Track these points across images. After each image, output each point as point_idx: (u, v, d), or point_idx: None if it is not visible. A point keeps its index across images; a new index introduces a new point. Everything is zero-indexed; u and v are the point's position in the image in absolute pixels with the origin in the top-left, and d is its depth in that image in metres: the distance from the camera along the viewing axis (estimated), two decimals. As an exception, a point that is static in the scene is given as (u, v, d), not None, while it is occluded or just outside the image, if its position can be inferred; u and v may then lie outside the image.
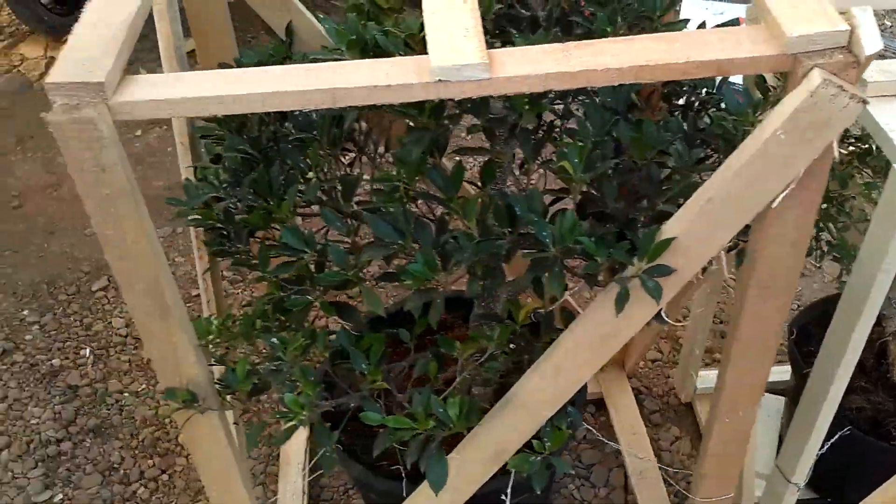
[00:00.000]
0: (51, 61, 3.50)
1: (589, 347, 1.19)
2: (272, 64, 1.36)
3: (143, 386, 2.35)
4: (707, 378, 2.18)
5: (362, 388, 1.26)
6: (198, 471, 1.39)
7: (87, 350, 2.44)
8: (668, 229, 1.07)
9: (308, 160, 1.24)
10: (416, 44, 1.09)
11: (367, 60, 1.01)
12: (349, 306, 1.28)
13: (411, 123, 1.18)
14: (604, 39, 1.01)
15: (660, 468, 2.05)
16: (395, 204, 1.16)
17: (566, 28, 1.23)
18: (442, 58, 0.95)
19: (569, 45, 1.00)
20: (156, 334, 1.17)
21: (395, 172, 1.18)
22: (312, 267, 1.23)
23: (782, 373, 2.00)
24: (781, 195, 1.02)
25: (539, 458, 1.28)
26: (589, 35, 1.22)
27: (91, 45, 0.98)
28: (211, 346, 1.25)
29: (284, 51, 1.40)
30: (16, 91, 3.35)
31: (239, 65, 1.39)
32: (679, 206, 1.14)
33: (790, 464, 1.60)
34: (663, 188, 1.17)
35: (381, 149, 1.38)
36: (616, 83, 0.98)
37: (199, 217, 1.28)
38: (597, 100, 1.19)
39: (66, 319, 2.53)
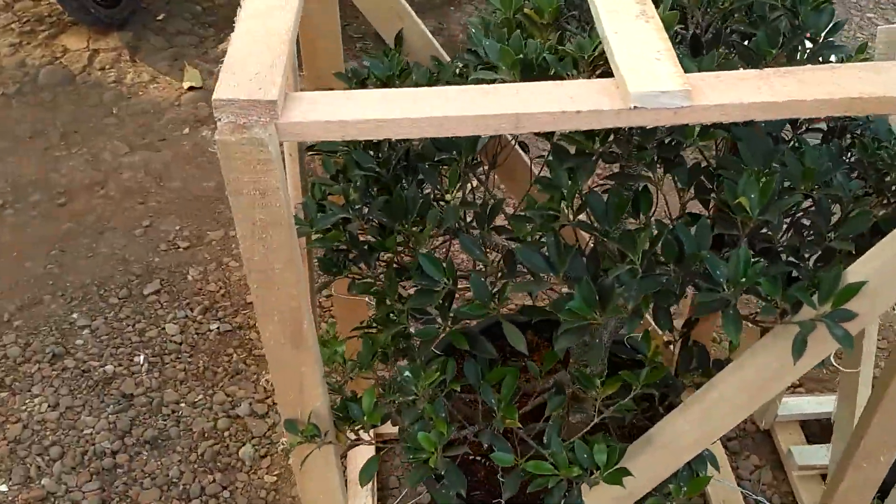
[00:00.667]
0: (94, 54, 3.42)
1: (746, 392, 1.12)
2: (399, 76, 1.29)
3: (201, 396, 2.27)
4: (789, 405, 2.12)
5: (494, 424, 1.19)
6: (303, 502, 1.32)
7: (142, 357, 2.36)
8: (856, 271, 1.00)
9: (447, 182, 1.17)
10: (585, 66, 1.02)
11: (547, 83, 0.93)
12: (480, 337, 1.21)
13: (564, 146, 1.11)
14: (802, 68, 0.94)
15: (743, 494, 1.98)
16: (547, 233, 1.09)
17: (726, 46, 1.17)
18: (640, 83, 0.88)
19: (767, 72, 0.93)
20: (286, 363, 1.10)
21: (547, 198, 1.10)
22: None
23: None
24: None
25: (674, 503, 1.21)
26: (748, 56, 1.16)
27: (257, 59, 0.91)
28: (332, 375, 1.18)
29: (401, 61, 1.33)
30: (58, 83, 3.26)
31: (360, 77, 1.32)
32: (848, 240, 1.08)
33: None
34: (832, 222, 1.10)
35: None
36: (824, 115, 0.91)
37: (324, 238, 1.21)
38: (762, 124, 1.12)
39: (119, 324, 2.45)
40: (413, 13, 1.51)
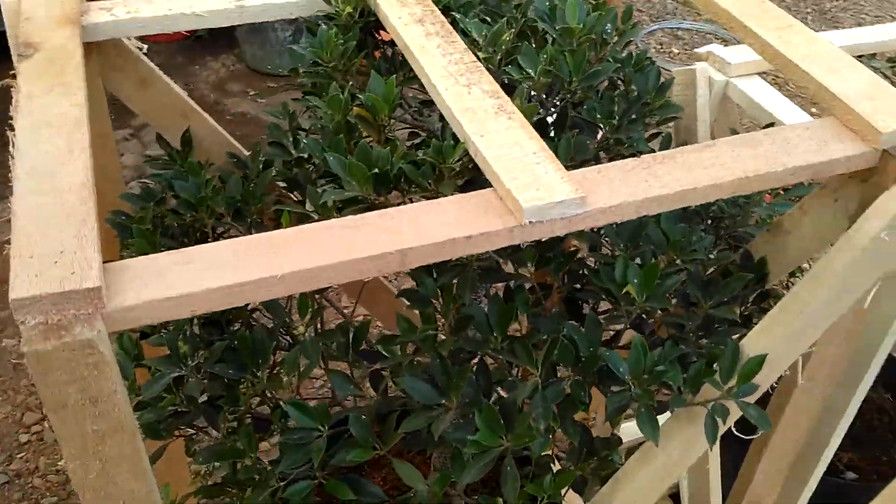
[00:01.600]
0: None
1: (658, 478, 1.06)
2: (210, 195, 1.10)
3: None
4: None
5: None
6: None
7: None
8: (752, 344, 0.96)
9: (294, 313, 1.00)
10: (447, 173, 0.90)
11: (423, 206, 0.81)
12: (364, 481, 1.05)
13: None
14: (678, 150, 0.88)
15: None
16: (429, 354, 0.96)
17: (562, 124, 1.10)
18: (530, 195, 0.78)
19: (646, 160, 0.87)
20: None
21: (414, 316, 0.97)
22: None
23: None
24: (872, 292, 0.95)
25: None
26: (590, 128, 1.10)
27: (56, 231, 0.71)
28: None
29: (210, 178, 1.14)
30: None
31: (153, 197, 1.11)
32: (730, 307, 1.05)
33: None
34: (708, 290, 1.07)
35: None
36: (713, 199, 0.86)
37: (154, 407, 0.99)
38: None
39: None
40: (199, 108, 1.32)
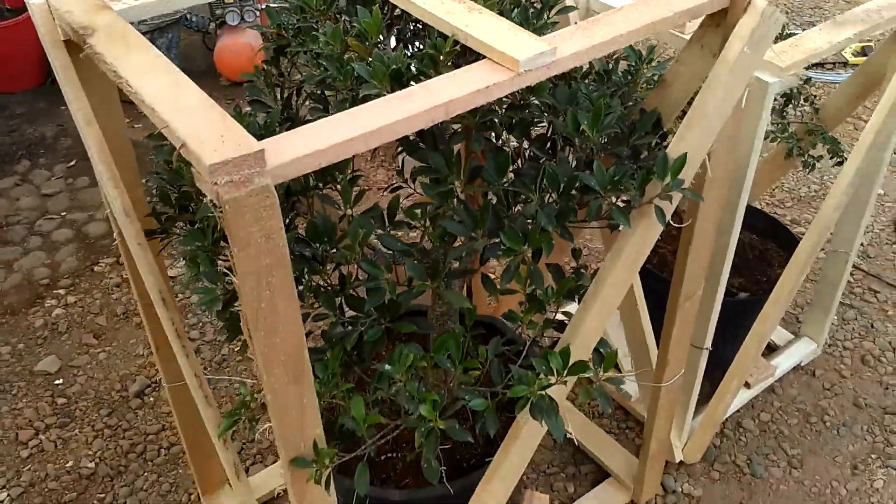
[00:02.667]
0: None
1: (626, 270, 1.42)
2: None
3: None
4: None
5: (454, 381, 1.34)
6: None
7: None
8: (675, 149, 1.35)
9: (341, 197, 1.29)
10: (443, 62, 1.22)
11: (445, 77, 1.12)
12: (418, 318, 1.36)
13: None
14: (601, 15, 1.25)
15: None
16: (449, 204, 1.28)
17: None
18: (521, 52, 1.12)
19: (583, 25, 1.22)
20: (290, 402, 1.16)
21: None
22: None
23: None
24: (745, 96, 1.35)
25: (599, 383, 1.47)
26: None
27: (209, 126, 0.98)
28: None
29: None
30: None
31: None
32: (649, 136, 1.43)
33: (700, 335, 1.98)
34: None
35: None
36: (632, 41, 1.23)
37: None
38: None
39: None
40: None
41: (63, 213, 3.20)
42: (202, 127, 0.98)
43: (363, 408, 1.25)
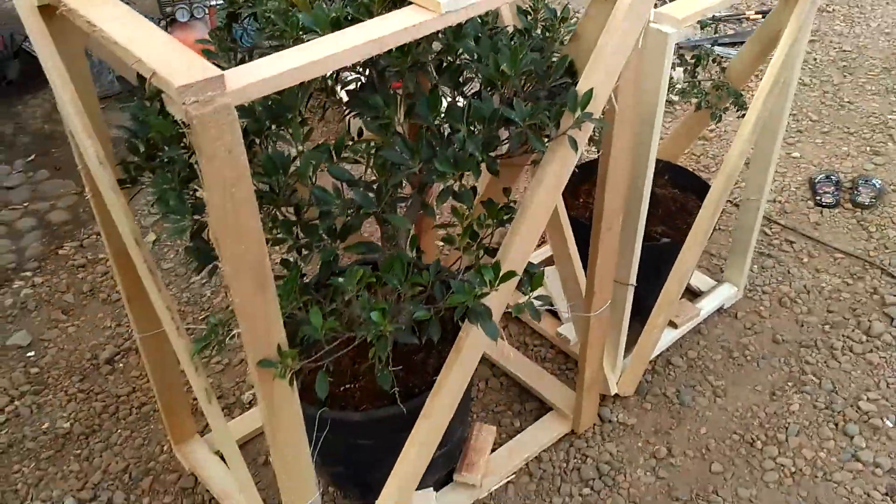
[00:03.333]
0: None
1: (550, 195, 1.62)
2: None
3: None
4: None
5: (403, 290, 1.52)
6: (269, 434, 1.50)
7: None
8: (582, 87, 1.55)
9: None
10: (376, 9, 1.40)
11: (379, 19, 1.31)
12: (372, 243, 1.54)
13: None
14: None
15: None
16: (388, 137, 1.47)
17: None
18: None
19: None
20: (256, 310, 1.33)
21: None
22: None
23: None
24: (640, 38, 1.57)
25: (530, 298, 1.66)
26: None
27: (174, 56, 1.15)
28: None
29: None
30: None
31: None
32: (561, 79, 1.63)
33: (625, 272, 2.18)
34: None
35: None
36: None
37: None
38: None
39: None
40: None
41: (25, 204, 3.31)
42: (170, 59, 1.15)
43: (320, 317, 1.43)
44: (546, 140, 1.56)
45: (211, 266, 1.53)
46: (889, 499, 2.15)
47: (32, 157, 3.60)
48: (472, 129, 1.48)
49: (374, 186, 1.49)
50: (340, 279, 1.44)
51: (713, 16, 4.33)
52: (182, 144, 1.52)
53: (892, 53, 4.19)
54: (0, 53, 4.12)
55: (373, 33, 1.27)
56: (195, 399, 2.32)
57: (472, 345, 1.67)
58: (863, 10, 4.61)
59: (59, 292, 2.86)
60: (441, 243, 1.63)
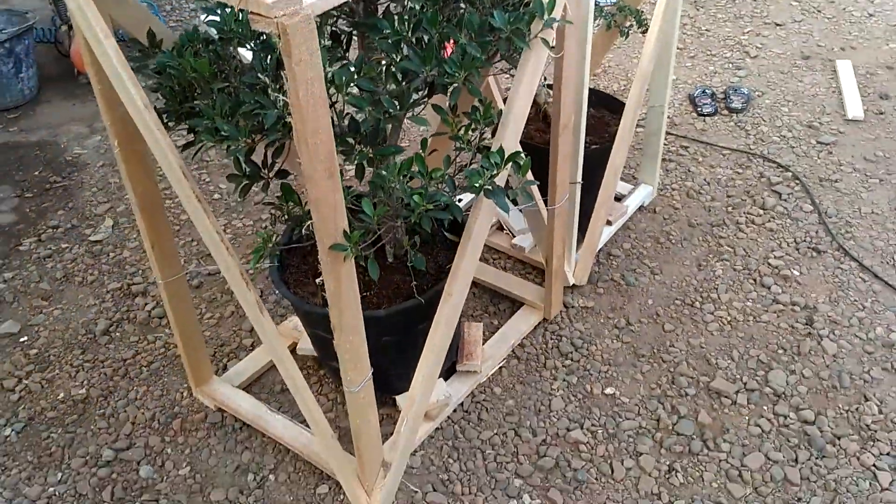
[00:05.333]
0: None
1: (530, 86, 1.96)
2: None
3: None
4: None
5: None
6: (336, 310, 1.75)
7: None
8: (546, -2, 1.89)
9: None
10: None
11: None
12: (397, 146, 1.82)
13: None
14: None
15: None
16: (400, 52, 1.76)
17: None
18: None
19: None
20: (326, 195, 1.59)
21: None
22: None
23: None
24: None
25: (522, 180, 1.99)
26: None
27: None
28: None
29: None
30: None
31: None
32: None
33: (573, 173, 2.55)
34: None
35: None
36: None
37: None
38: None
39: None
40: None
41: (-32, 212, 3.35)
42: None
43: (372, 206, 1.71)
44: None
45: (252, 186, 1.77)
46: (809, 326, 2.62)
47: (-39, 169, 3.61)
48: (469, 37, 1.79)
49: (395, 93, 1.77)
50: (384, 172, 1.72)
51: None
52: (220, 80, 1.76)
53: (732, -13, 4.79)
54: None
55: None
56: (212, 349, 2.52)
57: (481, 225, 1.98)
58: (701, -46, 5.21)
59: (32, 282, 2.96)
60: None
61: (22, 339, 2.73)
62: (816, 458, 2.22)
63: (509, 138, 1.96)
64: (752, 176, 3.30)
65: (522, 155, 1.99)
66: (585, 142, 2.84)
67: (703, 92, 3.77)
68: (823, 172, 3.29)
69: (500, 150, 1.84)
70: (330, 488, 2.20)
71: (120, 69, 1.74)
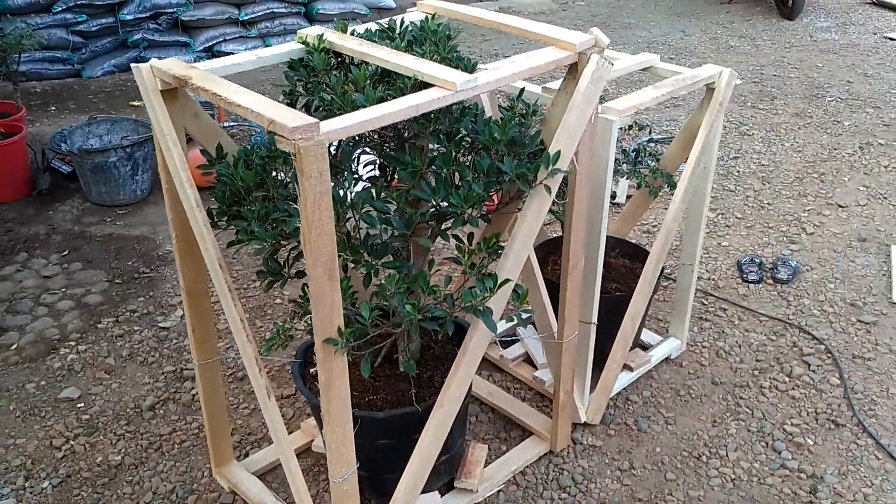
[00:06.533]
0: None
1: (530, 233, 2.18)
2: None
3: None
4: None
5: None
6: (325, 400, 1.95)
7: None
8: (552, 149, 2.14)
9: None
10: (407, 91, 2.00)
11: (413, 94, 1.90)
12: (403, 261, 2.07)
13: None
14: (498, 63, 2.07)
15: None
16: (417, 181, 2.03)
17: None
18: (458, 80, 1.91)
19: (490, 66, 2.03)
20: (325, 295, 1.83)
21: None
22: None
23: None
24: (592, 115, 2.18)
25: (522, 312, 2.18)
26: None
27: (276, 107, 1.71)
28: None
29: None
30: None
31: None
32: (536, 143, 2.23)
33: (587, 313, 2.72)
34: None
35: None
36: (521, 79, 2.05)
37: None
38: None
39: None
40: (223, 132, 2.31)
41: (63, 289, 3.77)
42: (280, 112, 1.72)
43: (369, 309, 1.94)
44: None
45: (277, 283, 2.04)
46: (812, 495, 2.62)
47: (66, 251, 4.08)
48: (476, 176, 2.05)
49: (405, 217, 2.04)
50: (383, 282, 1.96)
51: (650, 135, 5.08)
52: (262, 189, 2.07)
53: (802, 166, 4.95)
54: (33, 168, 4.67)
55: (411, 102, 1.85)
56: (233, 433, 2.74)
57: (477, 342, 2.17)
58: (777, 133, 5.42)
59: (101, 357, 3.29)
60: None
61: (79, 405, 3.03)
62: None
63: (507, 270, 2.17)
64: (785, 344, 3.36)
65: (521, 285, 2.21)
66: (611, 288, 3.02)
67: (752, 260, 3.89)
68: (858, 350, 3.32)
69: (495, 277, 2.05)
70: (314, 578, 2.33)
71: (181, 172, 2.08)
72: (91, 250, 4.12)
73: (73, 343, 3.38)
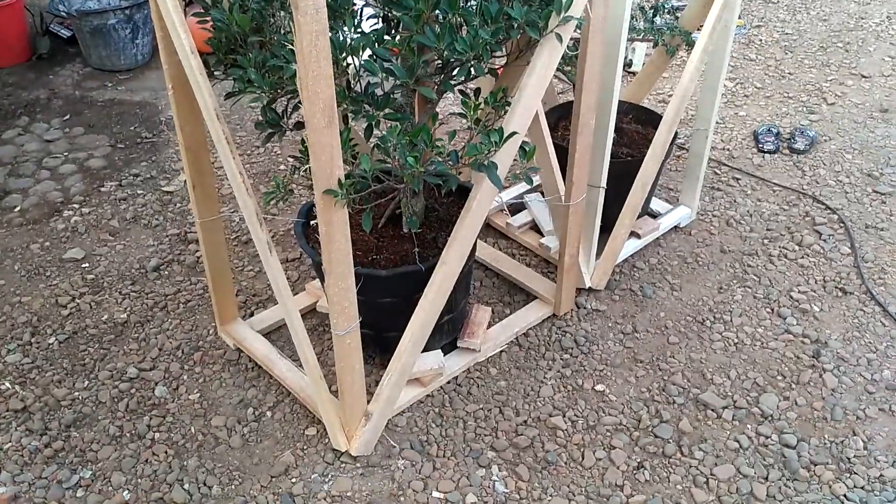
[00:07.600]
0: None
1: (541, 83, 2.09)
2: None
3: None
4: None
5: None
6: (326, 253, 1.92)
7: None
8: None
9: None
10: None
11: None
12: (405, 112, 1.99)
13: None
14: None
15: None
16: (420, 27, 1.93)
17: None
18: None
19: None
20: (324, 142, 1.76)
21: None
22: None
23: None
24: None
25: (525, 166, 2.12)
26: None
27: None
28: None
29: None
30: None
31: None
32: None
33: (596, 177, 2.66)
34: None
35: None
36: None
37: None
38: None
39: None
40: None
41: (65, 153, 3.72)
42: None
43: (369, 161, 1.88)
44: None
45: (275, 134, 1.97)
46: (815, 359, 2.62)
47: (67, 116, 4.01)
48: (484, 22, 1.95)
49: (408, 65, 1.95)
50: (385, 132, 1.89)
51: None
52: (259, 35, 1.98)
53: (828, 36, 4.76)
54: (32, 32, 4.54)
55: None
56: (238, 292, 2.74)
57: (481, 199, 2.12)
58: (803, 1, 5.19)
59: (104, 219, 3.28)
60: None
61: (84, 265, 3.03)
62: (788, 480, 2.23)
63: (514, 123, 2.09)
64: (798, 214, 3.30)
65: (527, 141, 2.13)
66: (622, 153, 2.94)
67: (769, 130, 3.78)
68: (871, 220, 3.26)
69: (500, 131, 1.98)
70: (318, 431, 2.37)
71: (175, 19, 1.98)
72: (92, 115, 4.04)
73: (76, 206, 3.36)
